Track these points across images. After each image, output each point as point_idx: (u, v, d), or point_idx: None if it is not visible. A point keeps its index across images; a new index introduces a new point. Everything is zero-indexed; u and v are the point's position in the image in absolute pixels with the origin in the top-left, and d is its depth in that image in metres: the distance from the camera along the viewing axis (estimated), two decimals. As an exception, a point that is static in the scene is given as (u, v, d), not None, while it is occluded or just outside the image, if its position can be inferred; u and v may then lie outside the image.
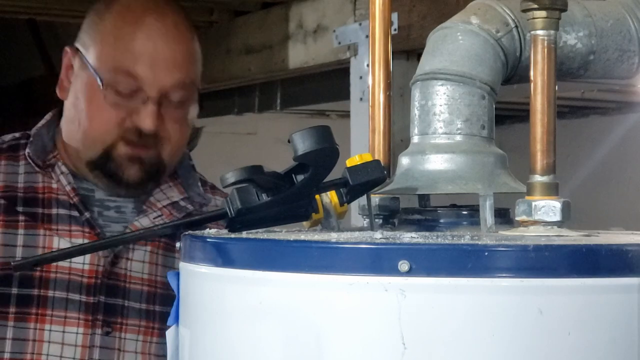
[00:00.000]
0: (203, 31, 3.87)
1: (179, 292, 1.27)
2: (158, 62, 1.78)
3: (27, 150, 1.85)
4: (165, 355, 1.68)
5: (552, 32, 1.19)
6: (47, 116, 1.93)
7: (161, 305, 1.81)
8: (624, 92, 3.98)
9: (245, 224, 1.23)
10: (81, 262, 1.78)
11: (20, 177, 1.84)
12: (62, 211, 1.81)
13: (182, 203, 1.87)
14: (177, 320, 1.27)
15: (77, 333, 1.77)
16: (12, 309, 1.77)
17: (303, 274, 1.08)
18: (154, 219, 1.83)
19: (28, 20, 5.29)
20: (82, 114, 1.81)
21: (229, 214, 1.22)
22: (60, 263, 1.77)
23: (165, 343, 1.73)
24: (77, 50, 1.85)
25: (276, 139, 5.00)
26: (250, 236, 1.20)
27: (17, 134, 1.91)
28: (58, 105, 1.96)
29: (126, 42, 1.79)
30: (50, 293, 1.77)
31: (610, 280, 1.06)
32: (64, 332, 1.77)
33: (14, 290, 1.77)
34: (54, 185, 1.83)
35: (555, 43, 1.19)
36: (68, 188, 1.82)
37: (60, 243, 1.79)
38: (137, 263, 1.82)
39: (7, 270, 1.76)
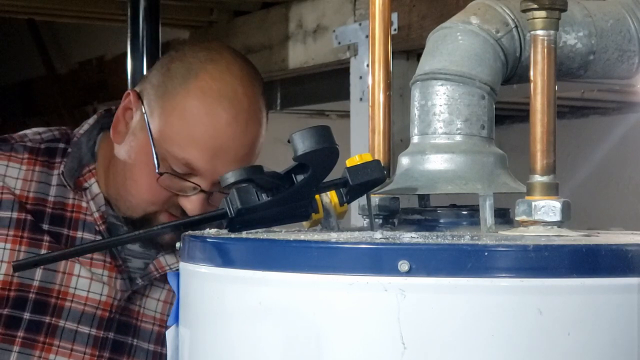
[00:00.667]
0: (203, 31, 3.87)
1: (179, 292, 1.27)
2: (220, 155, 1.68)
3: (62, 167, 1.77)
4: None
5: (552, 32, 1.19)
6: (91, 120, 1.84)
7: None
8: (624, 92, 3.98)
9: (245, 224, 1.23)
10: (99, 293, 1.75)
11: (52, 190, 1.78)
12: (87, 235, 1.76)
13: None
14: (177, 320, 1.27)
15: None
16: (20, 334, 1.74)
17: (303, 274, 1.08)
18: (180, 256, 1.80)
19: (28, 20, 5.30)
20: (130, 176, 1.73)
21: (229, 214, 1.22)
22: (78, 292, 1.74)
23: None
24: (140, 100, 1.74)
25: (276, 139, 5.00)
26: (250, 236, 1.20)
27: (56, 133, 1.83)
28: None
29: (192, 127, 1.68)
30: (62, 323, 1.74)
31: (610, 280, 1.06)
32: None
33: (27, 315, 1.74)
34: (84, 205, 1.77)
35: (555, 43, 1.19)
36: (96, 215, 1.76)
37: (82, 271, 1.75)
38: (152, 301, 1.79)
39: (24, 293, 1.73)
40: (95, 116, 1.85)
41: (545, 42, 1.19)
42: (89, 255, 1.75)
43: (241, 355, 1.13)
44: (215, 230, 1.30)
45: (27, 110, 5.86)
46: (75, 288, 1.75)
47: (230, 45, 3.62)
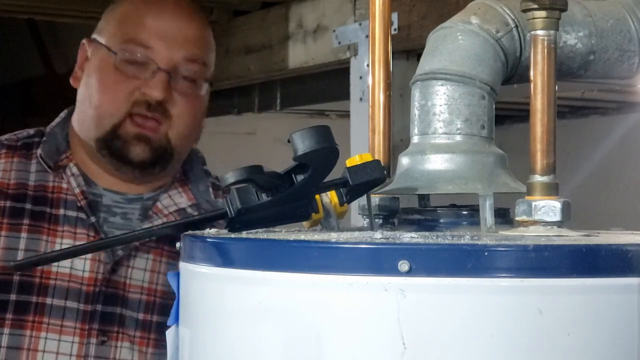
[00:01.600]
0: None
1: (179, 292, 1.27)
2: (169, 36, 1.82)
3: (39, 150, 1.85)
4: None
5: (552, 32, 1.19)
6: (62, 114, 1.94)
7: (159, 315, 1.80)
8: (624, 92, 3.98)
9: (245, 224, 1.23)
10: (81, 270, 1.78)
11: (32, 176, 1.84)
12: (69, 212, 1.81)
13: (190, 210, 1.86)
14: (177, 320, 1.27)
15: (72, 342, 1.77)
16: (9, 315, 1.76)
17: (303, 274, 1.08)
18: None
19: (28, 20, 5.29)
20: (93, 91, 1.83)
21: (229, 214, 1.22)
22: (61, 269, 1.77)
23: (161, 354, 1.73)
24: (92, 40, 1.89)
25: (276, 139, 5.00)
26: (250, 236, 1.20)
27: (31, 131, 1.92)
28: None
29: (139, 18, 1.84)
30: (49, 300, 1.77)
31: (610, 280, 1.06)
32: (59, 340, 1.76)
33: (13, 297, 1.77)
34: (64, 185, 1.83)
35: (555, 43, 1.19)
36: (77, 190, 1.82)
37: (63, 247, 1.78)
38: (138, 271, 1.81)
39: (7, 276, 1.76)
40: (66, 110, 1.94)
41: (546, 42, 1.19)
42: (72, 229, 1.80)
43: (241, 355, 1.13)
44: (215, 230, 1.30)
45: (27, 110, 5.85)
46: (58, 266, 1.77)
47: (230, 45, 3.62)
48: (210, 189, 1.92)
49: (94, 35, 1.89)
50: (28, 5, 3.60)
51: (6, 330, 1.76)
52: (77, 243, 1.78)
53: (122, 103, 1.80)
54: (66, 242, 1.79)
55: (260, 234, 1.23)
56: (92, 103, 1.82)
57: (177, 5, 1.87)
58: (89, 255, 1.78)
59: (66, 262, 1.77)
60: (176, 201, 1.86)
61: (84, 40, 1.91)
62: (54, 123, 1.91)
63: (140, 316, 1.80)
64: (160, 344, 1.77)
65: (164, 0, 1.87)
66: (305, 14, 3.20)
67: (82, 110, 1.86)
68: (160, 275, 1.82)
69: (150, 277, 1.82)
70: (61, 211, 1.81)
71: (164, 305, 1.80)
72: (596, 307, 1.06)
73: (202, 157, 1.97)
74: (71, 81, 1.90)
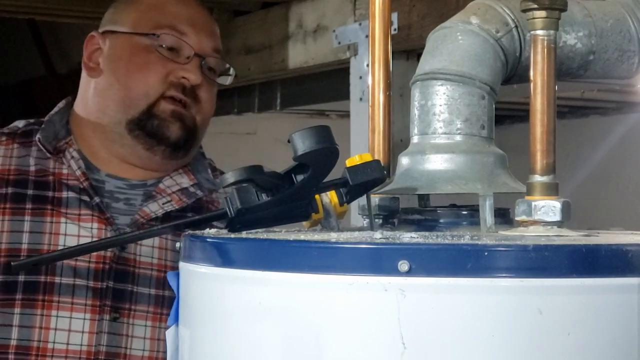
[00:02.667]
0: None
1: (179, 292, 1.27)
2: (198, 25, 1.88)
3: (38, 135, 1.87)
4: None
5: (552, 32, 1.19)
6: (61, 104, 1.96)
7: (171, 290, 1.82)
8: (624, 92, 3.98)
9: (245, 224, 1.23)
10: None
11: (32, 161, 1.86)
12: (72, 195, 1.83)
13: (192, 189, 1.89)
14: (177, 320, 1.27)
15: (84, 319, 1.78)
16: (19, 296, 1.77)
17: (303, 274, 1.08)
18: (163, 204, 1.84)
19: (28, 20, 5.29)
20: (124, 75, 1.86)
21: (229, 214, 1.22)
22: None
23: None
24: (106, 32, 1.91)
25: (276, 139, 5.00)
26: (250, 236, 1.20)
27: (31, 120, 1.94)
28: (57, 102, 1.97)
29: (167, 7, 1.89)
30: (57, 279, 1.78)
31: (610, 280, 1.06)
32: (71, 317, 1.78)
33: (21, 278, 1.78)
34: (65, 171, 1.85)
35: (555, 43, 1.19)
36: (78, 173, 1.84)
37: (68, 229, 1.80)
38: (147, 248, 1.83)
39: (14, 258, 1.77)
40: (64, 100, 1.97)
41: (545, 42, 1.19)
42: (76, 211, 1.82)
43: (241, 355, 1.13)
44: (215, 230, 1.30)
45: (27, 110, 5.85)
46: (64, 246, 1.79)
47: (230, 45, 3.63)
48: (209, 170, 1.95)
49: (108, 27, 1.91)
50: (28, 5, 3.60)
51: (17, 310, 1.77)
52: (82, 224, 1.80)
53: (159, 84, 1.83)
54: (71, 223, 1.80)
55: (260, 234, 1.23)
56: (122, 88, 1.85)
57: (196, 0, 1.94)
58: (95, 233, 1.80)
59: (73, 241, 1.79)
60: (178, 181, 1.89)
61: (93, 33, 1.92)
62: (52, 112, 1.94)
63: (153, 291, 1.82)
64: None
65: None
66: (305, 14, 3.20)
67: (108, 96, 1.87)
68: (168, 252, 1.84)
69: (158, 254, 1.83)
70: (64, 194, 1.83)
71: None
72: (596, 307, 1.06)
73: None
74: (87, 73, 1.92)
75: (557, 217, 1.17)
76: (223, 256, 1.17)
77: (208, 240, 1.20)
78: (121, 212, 1.85)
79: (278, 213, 1.23)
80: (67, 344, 1.77)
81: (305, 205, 1.24)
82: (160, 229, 1.47)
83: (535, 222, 1.18)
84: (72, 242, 1.79)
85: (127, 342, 1.79)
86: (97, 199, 1.81)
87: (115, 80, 1.86)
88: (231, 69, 1.96)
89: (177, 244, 1.31)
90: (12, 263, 1.41)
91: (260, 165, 1.20)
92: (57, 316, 1.77)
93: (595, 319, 1.05)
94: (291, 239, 1.14)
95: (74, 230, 1.80)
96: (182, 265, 1.26)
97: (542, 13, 1.19)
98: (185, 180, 1.89)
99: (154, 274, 1.82)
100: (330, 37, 3.02)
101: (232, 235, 1.22)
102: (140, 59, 1.85)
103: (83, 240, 1.78)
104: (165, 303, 1.81)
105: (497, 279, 1.04)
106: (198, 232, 1.28)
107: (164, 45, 1.85)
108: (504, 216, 1.32)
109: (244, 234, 1.23)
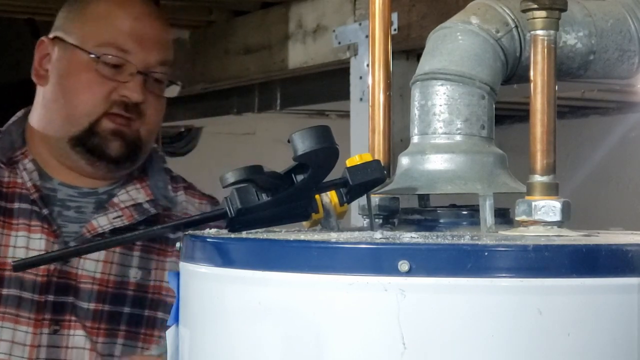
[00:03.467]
0: (202, 31, 3.87)
1: (179, 292, 1.27)
2: (144, 40, 1.89)
3: None
4: (111, 355, 1.71)
5: (552, 32, 1.19)
6: (19, 113, 2.00)
7: (112, 304, 1.83)
8: (624, 92, 3.98)
9: (245, 224, 1.23)
10: None
11: None
12: (23, 205, 1.86)
13: (146, 205, 1.91)
14: (177, 320, 1.27)
15: (26, 332, 1.80)
16: None
17: (303, 274, 1.08)
18: (113, 219, 1.87)
19: (28, 20, 5.29)
20: (68, 91, 1.87)
21: (229, 214, 1.22)
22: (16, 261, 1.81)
23: (112, 343, 1.76)
24: (56, 38, 1.92)
25: (275, 139, 5.00)
26: (250, 236, 1.20)
27: None
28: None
29: (112, 20, 1.88)
30: (5, 291, 1.80)
31: (610, 280, 1.06)
32: (14, 329, 1.80)
33: None
34: (19, 180, 1.88)
35: (555, 43, 1.19)
36: (29, 184, 1.87)
37: (18, 241, 1.83)
38: (90, 262, 1.85)
39: None
40: (23, 110, 2.02)
41: (545, 42, 1.19)
42: (27, 221, 1.85)
43: (241, 355, 1.13)
44: (215, 230, 1.30)
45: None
46: (14, 257, 1.81)
47: (230, 45, 3.62)
48: (170, 186, 1.97)
49: (57, 34, 1.93)
50: (28, 5, 3.60)
51: None
52: (32, 235, 1.83)
53: (101, 103, 1.85)
54: (21, 234, 1.83)
55: (260, 234, 1.23)
56: (67, 104, 1.87)
57: (146, 8, 1.93)
58: (42, 245, 1.83)
59: (22, 253, 1.82)
60: (134, 196, 1.92)
61: (43, 38, 1.94)
62: (10, 121, 1.98)
63: (92, 306, 1.83)
64: (112, 333, 1.81)
65: (133, 3, 1.92)
66: (305, 14, 3.20)
67: (53, 109, 1.90)
68: (114, 266, 1.85)
69: (102, 268, 1.85)
70: (15, 204, 1.86)
71: (116, 295, 1.83)
72: (596, 307, 1.06)
73: (163, 156, 2.04)
74: (34, 79, 1.94)
75: (557, 217, 1.17)
76: (223, 256, 1.17)
77: (208, 240, 1.20)
78: (72, 219, 1.88)
79: (278, 213, 1.23)
80: (10, 355, 1.80)
81: (305, 205, 1.24)
82: (160, 229, 1.47)
83: (535, 222, 1.18)
84: (21, 254, 1.82)
85: (67, 353, 1.82)
86: (45, 211, 1.84)
87: (60, 95, 1.89)
88: (178, 82, 1.99)
89: (177, 244, 1.31)
90: (12, 263, 1.41)
91: (260, 165, 1.20)
92: (2, 327, 1.80)
93: (595, 319, 1.05)
94: (291, 239, 1.14)
95: (24, 242, 1.83)
96: (182, 265, 1.26)
97: (542, 13, 1.18)
98: (141, 196, 1.92)
99: (95, 288, 1.84)
100: (330, 37, 3.02)
101: (232, 235, 1.22)
102: (83, 77, 1.87)
103: (32, 253, 1.81)
104: (104, 318, 1.83)
105: (497, 279, 1.04)
106: (198, 232, 1.28)
107: (107, 63, 1.86)
108: (504, 216, 1.32)
109: (244, 234, 1.23)
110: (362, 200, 1.32)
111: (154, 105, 1.90)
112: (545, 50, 1.18)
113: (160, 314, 1.87)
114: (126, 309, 1.85)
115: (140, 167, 1.95)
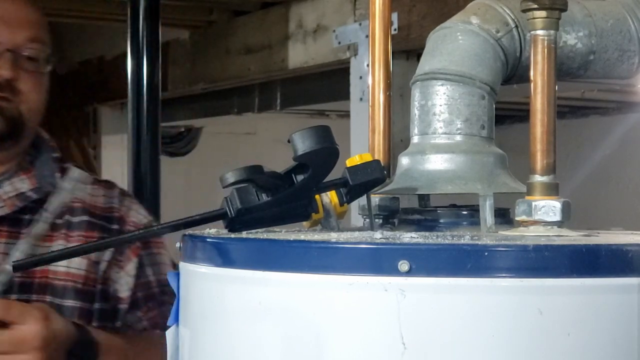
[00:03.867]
0: (202, 31, 3.87)
1: (179, 292, 1.27)
2: (11, 19, 1.93)
3: None
4: None
5: (552, 32, 1.19)
6: None
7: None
8: (624, 92, 3.98)
9: (245, 224, 1.23)
10: None
11: None
12: None
13: (30, 194, 1.93)
14: (177, 320, 1.27)
15: None
16: None
17: (303, 274, 1.08)
18: None
19: (27, 20, 5.28)
20: None
21: (229, 214, 1.22)
22: None
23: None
24: None
25: (275, 139, 5.01)
26: (250, 236, 1.20)
27: None
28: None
29: None
30: None
31: (610, 280, 1.06)
32: None
33: None
34: None
35: (555, 43, 1.19)
36: None
37: None
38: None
39: None
40: None
41: (545, 42, 1.19)
42: None
43: (241, 355, 1.13)
44: (215, 230, 1.30)
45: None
46: None
47: (230, 44, 3.63)
48: (58, 174, 1.99)
49: None
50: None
51: None
52: None
53: None
54: None
55: (260, 234, 1.23)
56: None
57: None
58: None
59: None
60: (17, 187, 1.93)
61: None
62: None
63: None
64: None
65: None
66: (305, 14, 3.20)
67: None
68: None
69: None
70: None
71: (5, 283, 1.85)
72: (596, 307, 1.06)
73: (53, 145, 2.06)
74: None
75: (557, 217, 1.17)
76: (223, 256, 1.17)
77: (208, 240, 1.20)
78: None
79: (278, 213, 1.23)
80: None
81: (305, 205, 1.24)
82: (159, 229, 1.46)
83: (535, 222, 1.18)
84: None
85: None
86: None
87: None
88: (48, 57, 2.00)
89: (178, 244, 1.31)
90: (12, 262, 1.41)
91: (260, 165, 1.20)
92: None
93: (595, 319, 1.05)
94: (291, 239, 1.14)
95: None
96: (182, 265, 1.26)
97: (542, 13, 1.18)
98: (25, 186, 1.94)
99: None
100: (330, 37, 3.02)
101: (232, 235, 1.22)
102: None
103: None
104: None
105: (497, 279, 1.04)
106: (198, 232, 1.28)
107: None
108: (504, 216, 1.32)
109: (244, 234, 1.23)
110: (362, 200, 1.32)
111: (30, 83, 1.93)
112: (546, 50, 1.18)
113: (48, 298, 1.89)
114: (13, 296, 1.88)
115: (29, 159, 1.98)
